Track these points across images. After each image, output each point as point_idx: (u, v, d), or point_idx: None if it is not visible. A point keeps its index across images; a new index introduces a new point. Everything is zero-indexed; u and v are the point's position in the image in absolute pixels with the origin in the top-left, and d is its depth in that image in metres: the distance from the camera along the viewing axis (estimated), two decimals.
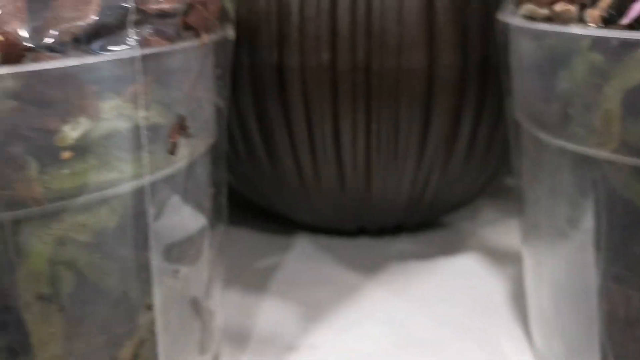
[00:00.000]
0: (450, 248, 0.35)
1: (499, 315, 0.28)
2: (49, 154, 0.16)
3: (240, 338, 0.27)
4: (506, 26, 0.22)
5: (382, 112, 0.28)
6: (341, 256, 0.34)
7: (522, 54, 0.21)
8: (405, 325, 0.28)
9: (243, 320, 0.28)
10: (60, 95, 0.16)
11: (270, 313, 0.29)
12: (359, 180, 0.31)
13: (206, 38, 0.19)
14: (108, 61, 0.16)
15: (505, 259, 0.33)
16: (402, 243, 0.36)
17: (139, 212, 0.18)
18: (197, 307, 0.21)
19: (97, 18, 0.15)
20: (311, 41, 0.28)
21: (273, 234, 0.37)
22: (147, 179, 0.18)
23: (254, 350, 0.26)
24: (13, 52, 0.14)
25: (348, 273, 0.33)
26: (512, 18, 0.21)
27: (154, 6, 0.16)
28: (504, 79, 0.23)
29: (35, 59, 0.15)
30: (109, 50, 0.16)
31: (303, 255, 0.35)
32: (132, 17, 0.16)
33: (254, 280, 0.32)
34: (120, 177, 0.17)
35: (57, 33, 0.15)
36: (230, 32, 0.21)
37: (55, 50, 0.15)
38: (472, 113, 0.29)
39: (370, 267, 0.33)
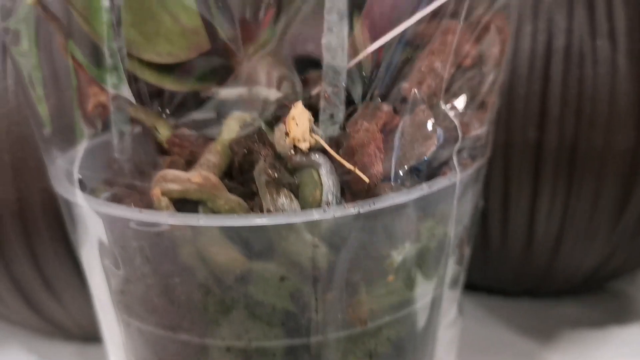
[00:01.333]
0: (619, 314, 0.34)
1: None
2: (376, 277, 0.16)
3: None
4: None
5: (582, 190, 0.28)
6: (509, 318, 0.34)
7: None
8: None
9: None
10: (394, 224, 0.16)
11: None
12: (546, 251, 0.31)
13: (490, 150, 0.19)
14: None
15: None
16: (568, 307, 0.35)
17: (427, 322, 0.18)
18: None
19: (435, 150, 0.16)
20: (519, 120, 0.28)
21: None
22: (441, 291, 0.18)
23: None
24: (370, 192, 0.15)
25: (523, 338, 0.32)
26: None
27: (473, 132, 0.17)
28: None
29: (378, 192, 0.16)
30: (436, 178, 0.16)
31: (468, 315, 0.35)
32: (458, 145, 0.17)
33: None
34: (423, 292, 0.18)
35: (404, 169, 0.16)
36: None
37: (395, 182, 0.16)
38: None
39: (544, 332, 0.33)
